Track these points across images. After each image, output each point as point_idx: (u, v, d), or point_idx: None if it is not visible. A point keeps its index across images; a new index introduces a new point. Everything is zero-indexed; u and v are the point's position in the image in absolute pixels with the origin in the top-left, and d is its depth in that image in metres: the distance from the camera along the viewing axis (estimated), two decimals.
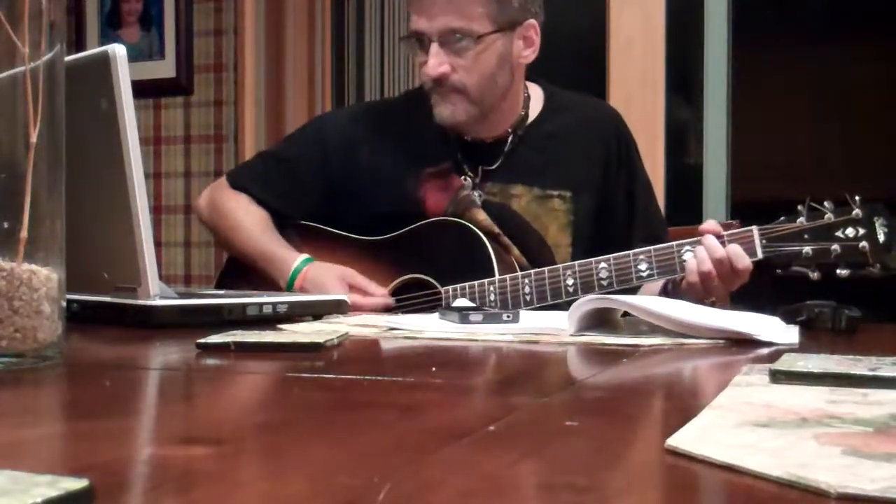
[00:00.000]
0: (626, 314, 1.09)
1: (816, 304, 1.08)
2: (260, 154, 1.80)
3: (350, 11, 2.85)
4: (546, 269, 1.44)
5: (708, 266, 1.32)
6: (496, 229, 1.54)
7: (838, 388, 0.58)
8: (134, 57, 2.76)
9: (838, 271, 1.27)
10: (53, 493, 0.29)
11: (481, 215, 1.55)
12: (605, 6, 2.48)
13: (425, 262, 1.53)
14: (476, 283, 1.46)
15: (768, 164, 2.57)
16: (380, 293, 1.50)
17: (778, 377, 0.61)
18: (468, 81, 1.50)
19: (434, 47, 1.48)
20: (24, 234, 0.65)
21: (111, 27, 2.99)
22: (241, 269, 1.66)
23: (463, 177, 1.59)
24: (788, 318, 1.07)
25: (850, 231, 1.27)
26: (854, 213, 1.27)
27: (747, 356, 0.83)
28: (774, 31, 2.59)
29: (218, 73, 2.88)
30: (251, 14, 2.75)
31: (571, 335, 0.95)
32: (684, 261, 1.35)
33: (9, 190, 0.65)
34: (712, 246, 1.32)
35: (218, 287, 1.70)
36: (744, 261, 1.31)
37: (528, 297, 1.43)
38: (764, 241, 1.32)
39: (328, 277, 1.50)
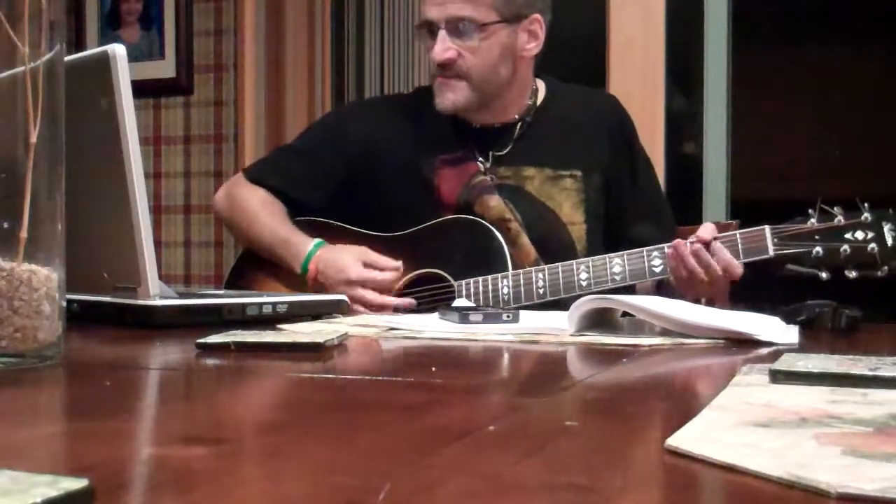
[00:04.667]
0: (626, 314, 1.09)
1: (816, 304, 1.08)
2: (277, 148, 1.86)
3: (350, 11, 2.85)
4: (560, 263, 1.47)
5: (681, 272, 1.38)
6: (507, 215, 1.58)
7: (838, 388, 0.58)
8: (134, 57, 2.75)
9: (847, 272, 1.29)
10: (53, 493, 0.29)
11: (493, 201, 1.59)
12: (605, 6, 2.48)
13: (439, 258, 1.56)
14: (490, 276, 1.48)
15: (768, 163, 2.57)
16: (392, 266, 1.53)
17: (778, 377, 0.61)
18: (472, 67, 1.57)
19: (441, 34, 1.56)
20: (24, 234, 0.65)
21: (111, 27, 2.98)
22: (252, 267, 1.68)
23: (477, 161, 1.63)
24: (788, 318, 1.07)
25: (859, 234, 1.29)
26: (864, 216, 1.29)
27: (747, 356, 0.82)
28: (774, 31, 2.59)
29: (218, 73, 2.87)
30: (251, 14, 2.75)
31: (571, 335, 0.95)
32: None
33: (9, 190, 0.65)
34: (681, 255, 1.37)
35: (228, 286, 1.72)
36: (731, 265, 1.37)
37: (541, 291, 1.46)
38: (775, 240, 1.34)
39: (343, 255, 1.55)
